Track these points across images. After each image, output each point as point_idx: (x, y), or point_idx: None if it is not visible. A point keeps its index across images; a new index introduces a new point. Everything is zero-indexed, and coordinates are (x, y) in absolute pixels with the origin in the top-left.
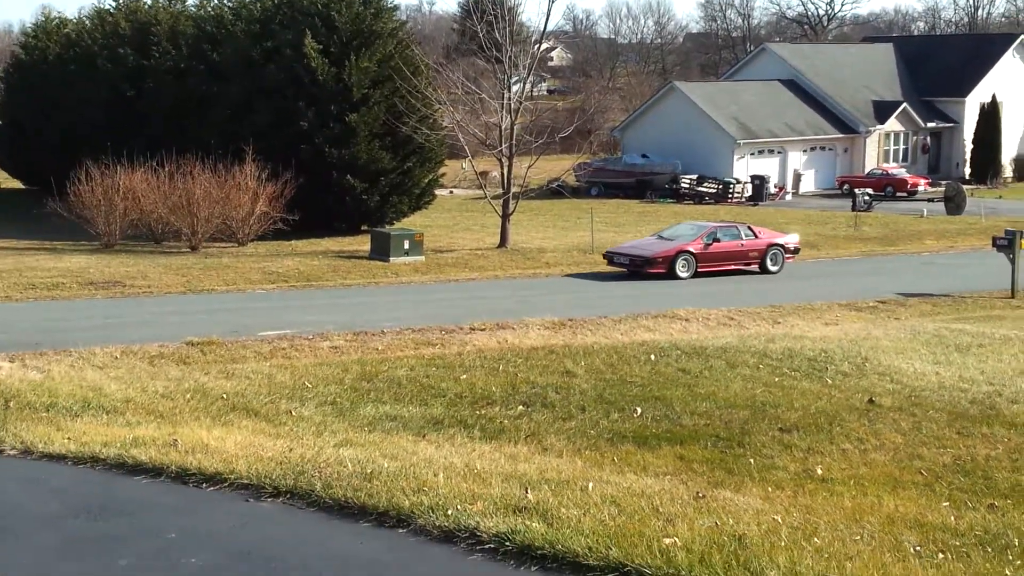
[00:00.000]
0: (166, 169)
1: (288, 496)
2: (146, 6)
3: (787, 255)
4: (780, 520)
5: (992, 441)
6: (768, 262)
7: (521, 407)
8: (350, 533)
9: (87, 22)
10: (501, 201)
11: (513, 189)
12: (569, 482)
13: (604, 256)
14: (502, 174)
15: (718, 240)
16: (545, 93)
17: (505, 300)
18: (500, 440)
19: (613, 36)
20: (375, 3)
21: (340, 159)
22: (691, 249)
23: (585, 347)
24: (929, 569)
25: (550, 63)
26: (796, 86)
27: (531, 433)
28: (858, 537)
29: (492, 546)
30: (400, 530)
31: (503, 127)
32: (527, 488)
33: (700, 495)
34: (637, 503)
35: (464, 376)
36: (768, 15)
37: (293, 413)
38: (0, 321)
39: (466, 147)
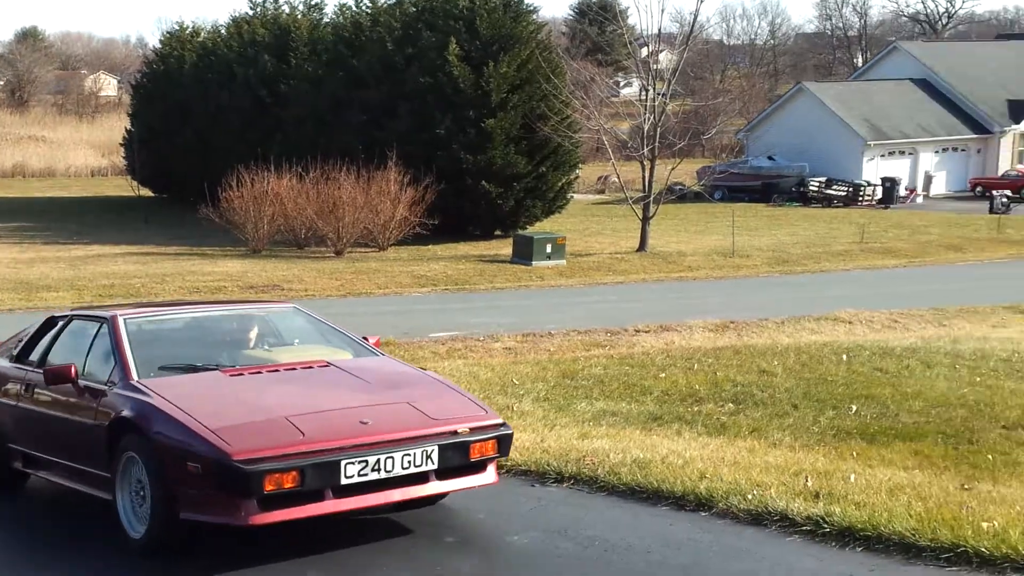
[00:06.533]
0: (310, 175)
1: (572, 482)
2: (284, 14)
3: None
4: None
5: None
6: None
7: (731, 404)
8: (652, 515)
9: (222, 31)
10: (640, 205)
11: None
12: (829, 473)
13: None
14: (643, 177)
15: None
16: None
17: (657, 303)
18: (726, 435)
19: (725, 38)
20: (515, 7)
21: (475, 164)
22: None
23: (770, 347)
24: None
25: (655, 65)
26: (928, 85)
27: (754, 429)
28: None
29: (808, 528)
30: (702, 513)
31: (645, 129)
32: (806, 477)
33: (966, 486)
34: (913, 493)
35: (663, 374)
36: (885, 13)
37: (514, 408)
38: None
39: (610, 150)
